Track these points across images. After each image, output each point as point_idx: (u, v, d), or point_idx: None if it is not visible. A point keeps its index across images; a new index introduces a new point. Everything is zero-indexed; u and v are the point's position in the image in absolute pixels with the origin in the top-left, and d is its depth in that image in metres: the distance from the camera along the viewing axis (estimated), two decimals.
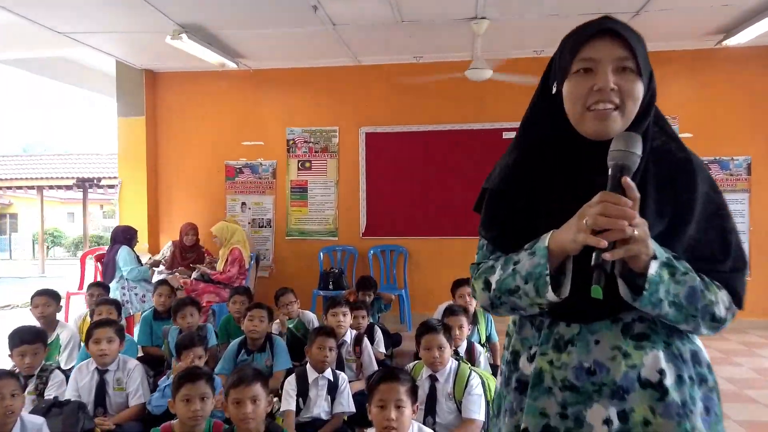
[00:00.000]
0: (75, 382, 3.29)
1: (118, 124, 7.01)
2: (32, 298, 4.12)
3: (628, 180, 1.02)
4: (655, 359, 1.13)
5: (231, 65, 6.28)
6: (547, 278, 1.10)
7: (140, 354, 4.50)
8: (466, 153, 6.42)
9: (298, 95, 6.90)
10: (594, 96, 1.12)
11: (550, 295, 1.10)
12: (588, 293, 1.02)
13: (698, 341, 1.21)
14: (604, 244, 0.99)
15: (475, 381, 3.08)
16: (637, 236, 1.01)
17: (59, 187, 17.35)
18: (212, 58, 5.94)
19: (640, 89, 1.13)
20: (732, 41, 5.60)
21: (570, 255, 1.10)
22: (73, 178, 16.24)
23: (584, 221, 1.03)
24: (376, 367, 4.04)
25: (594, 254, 1.01)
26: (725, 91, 6.21)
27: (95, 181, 16.36)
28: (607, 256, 0.99)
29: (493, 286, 1.22)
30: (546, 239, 1.13)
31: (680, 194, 1.15)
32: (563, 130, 1.20)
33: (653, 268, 1.05)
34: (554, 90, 1.22)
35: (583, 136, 1.16)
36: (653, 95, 1.18)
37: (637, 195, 1.02)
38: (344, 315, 4.13)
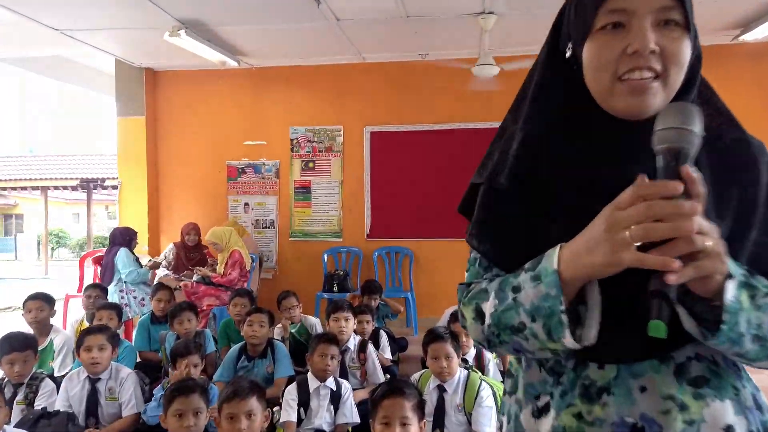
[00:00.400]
0: (65, 392, 3.15)
1: (117, 124, 6.89)
2: (25, 302, 3.99)
3: (689, 170, 0.73)
4: (719, 411, 0.83)
5: (232, 63, 6.14)
6: (563, 317, 0.79)
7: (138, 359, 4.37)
8: (475, 152, 6.19)
9: (301, 93, 6.75)
10: (628, 61, 0.83)
11: (569, 341, 0.80)
12: (626, 325, 0.77)
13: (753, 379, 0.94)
14: (677, 265, 0.69)
15: (485, 392, 2.93)
16: (710, 249, 0.72)
17: (64, 187, 17.31)
18: (212, 56, 5.80)
19: (687, 50, 0.85)
20: (749, 36, 5.42)
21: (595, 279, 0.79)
22: (77, 178, 16.18)
23: (626, 234, 0.72)
24: (381, 376, 3.89)
25: (652, 277, 0.72)
26: (742, 88, 6.01)
27: (99, 182, 16.29)
28: (672, 279, 0.70)
29: (488, 319, 0.90)
30: (553, 258, 0.81)
31: (740, 188, 0.87)
32: (580, 108, 0.90)
33: (730, 291, 0.75)
34: (568, 53, 0.92)
35: (611, 114, 0.88)
36: (699, 57, 0.90)
37: (704, 190, 0.73)
38: (347, 320, 3.98)
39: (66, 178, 16.41)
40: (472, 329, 0.95)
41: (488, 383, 3.05)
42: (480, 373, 3.18)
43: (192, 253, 6.13)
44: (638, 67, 0.83)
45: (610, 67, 0.85)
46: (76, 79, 7.54)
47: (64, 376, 3.44)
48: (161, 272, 5.97)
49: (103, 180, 16.10)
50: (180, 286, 5.39)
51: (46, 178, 16.68)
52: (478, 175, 1.02)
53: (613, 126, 0.88)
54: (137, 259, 5.69)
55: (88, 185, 16.31)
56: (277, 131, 6.80)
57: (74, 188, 17.04)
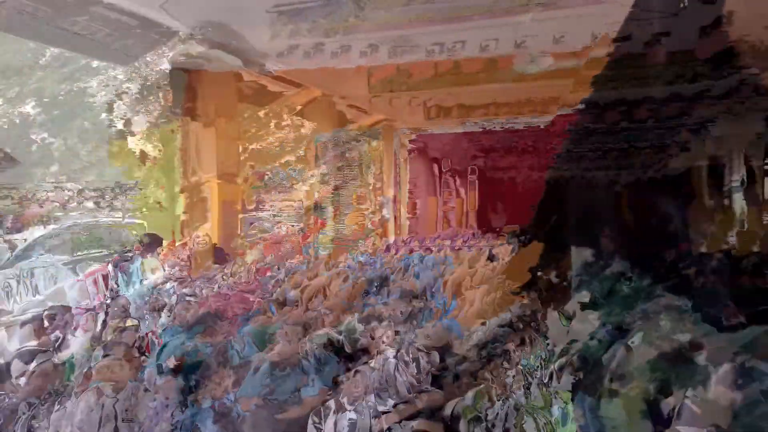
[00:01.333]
0: (80, 414, 2.97)
1: (146, 131, 6.79)
2: (42, 315, 3.87)
3: None
4: None
5: (252, 68, 6.00)
6: None
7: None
8: (517, 152, 5.94)
9: (330, 95, 6.52)
10: None
11: None
12: None
13: None
14: None
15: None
16: None
17: (96, 191, 17.47)
18: (231, 61, 5.66)
19: None
20: None
21: None
22: (97, 184, 16.29)
23: None
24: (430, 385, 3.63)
25: None
26: None
27: (132, 186, 16.38)
28: None
29: None
30: None
31: None
32: None
33: None
34: None
35: None
36: None
37: None
38: (381, 330, 3.75)
39: (98, 182, 16.52)
40: None
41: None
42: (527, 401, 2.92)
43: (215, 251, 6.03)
44: None
45: None
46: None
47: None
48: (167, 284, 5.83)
49: (135, 184, 16.19)
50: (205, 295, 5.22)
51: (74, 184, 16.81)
52: None
53: None
54: (157, 268, 5.56)
55: (119, 188, 16.44)
56: (307, 134, 6.59)
57: (104, 194, 17.17)
